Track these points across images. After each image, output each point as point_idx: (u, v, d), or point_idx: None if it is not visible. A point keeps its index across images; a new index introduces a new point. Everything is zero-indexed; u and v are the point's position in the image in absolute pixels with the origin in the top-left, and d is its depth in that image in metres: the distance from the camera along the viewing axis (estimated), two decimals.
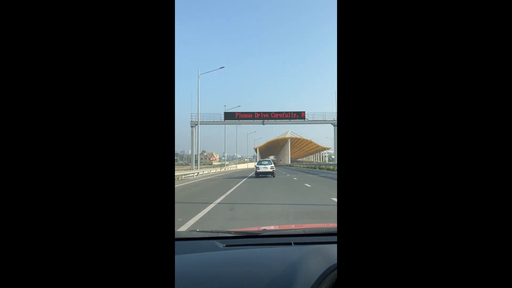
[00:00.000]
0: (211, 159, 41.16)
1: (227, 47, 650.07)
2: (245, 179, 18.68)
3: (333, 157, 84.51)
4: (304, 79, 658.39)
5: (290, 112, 34.02)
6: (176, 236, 1.34)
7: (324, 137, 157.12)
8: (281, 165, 78.98)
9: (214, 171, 33.51)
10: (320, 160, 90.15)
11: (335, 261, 0.74)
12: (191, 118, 32.43)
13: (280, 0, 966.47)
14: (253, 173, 23.97)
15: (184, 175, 21.37)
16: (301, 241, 1.29)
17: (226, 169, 43.23)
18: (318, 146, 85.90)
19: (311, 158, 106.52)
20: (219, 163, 63.18)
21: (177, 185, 14.26)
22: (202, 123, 33.62)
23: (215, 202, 7.78)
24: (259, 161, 23.10)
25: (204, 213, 6.05)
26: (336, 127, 32.20)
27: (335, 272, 0.76)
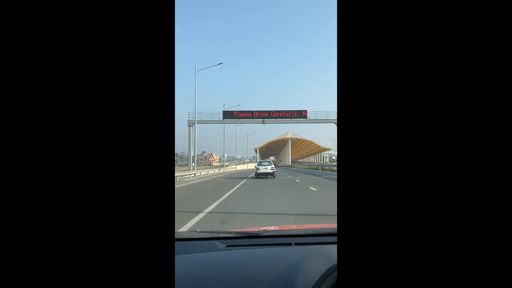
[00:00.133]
0: (209, 159, 39.98)
1: (227, 47, 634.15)
2: (244, 180, 17.59)
3: (333, 157, 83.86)
4: (305, 78, 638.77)
5: (291, 111, 32.61)
6: (177, 236, 1.33)
7: (325, 137, 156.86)
8: (281, 166, 78.29)
9: (212, 172, 32.34)
10: (320, 161, 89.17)
11: (336, 262, 0.74)
12: (189, 117, 31.13)
13: (280, 0, 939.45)
14: (253, 174, 23.65)
15: (180, 177, 20.20)
16: (302, 242, 1.28)
17: (225, 170, 42.18)
18: (319, 146, 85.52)
19: (312, 159, 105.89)
20: (219, 163, 62.17)
21: None
22: (200, 122, 32.44)
23: (205, 211, 6.60)
24: (259, 162, 23.05)
25: (189, 227, 4.88)
26: None
27: (336, 272, 0.77)
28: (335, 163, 46.37)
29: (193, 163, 28.65)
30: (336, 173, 26.39)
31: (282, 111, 32.55)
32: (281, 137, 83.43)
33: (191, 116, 30.49)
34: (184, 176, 21.33)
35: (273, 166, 20.67)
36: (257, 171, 20.43)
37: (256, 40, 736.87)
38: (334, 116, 32.76)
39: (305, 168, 50.50)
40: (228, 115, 33.03)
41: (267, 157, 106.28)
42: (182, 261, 1.02)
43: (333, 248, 0.99)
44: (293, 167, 63.84)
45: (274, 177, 19.85)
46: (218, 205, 7.46)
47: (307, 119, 32.61)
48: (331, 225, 1.65)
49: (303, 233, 1.54)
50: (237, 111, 33.21)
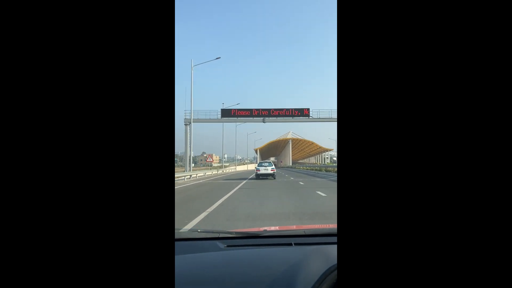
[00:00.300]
0: (208, 160, 38.56)
1: (227, 46, 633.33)
2: (242, 183, 16.02)
3: (334, 158, 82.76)
4: (307, 76, 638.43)
5: (292, 109, 30.88)
6: (177, 236, 1.33)
7: (326, 138, 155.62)
8: (281, 167, 77.01)
9: (210, 173, 30.75)
10: (321, 162, 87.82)
11: (335, 262, 0.74)
12: (185, 116, 29.45)
13: None
14: (253, 175, 22.91)
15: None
16: (302, 242, 1.28)
17: (224, 171, 40.65)
18: (320, 147, 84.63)
19: (312, 160, 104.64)
20: (218, 164, 60.86)
21: None
22: (197, 120, 30.85)
23: (190, 223, 5.14)
24: (260, 162, 22.75)
25: None
26: None
27: (335, 272, 0.77)
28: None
29: (192, 164, 27.11)
30: None
31: (282, 109, 30.88)
32: (281, 138, 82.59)
33: (187, 114, 28.82)
34: (179, 177, 19.67)
35: (273, 167, 20.55)
36: (257, 172, 20.35)
37: (256, 38, 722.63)
38: None
39: (307, 169, 48.79)
40: (227, 113, 31.39)
41: (268, 157, 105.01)
42: (183, 261, 1.02)
43: (333, 248, 0.98)
44: (294, 168, 62.20)
45: (274, 178, 19.56)
46: (206, 216, 5.88)
47: (310, 117, 31.01)
48: (331, 225, 1.66)
49: (303, 233, 1.51)
50: (235, 109, 31.57)
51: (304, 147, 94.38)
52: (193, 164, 27.34)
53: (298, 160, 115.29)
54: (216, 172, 34.50)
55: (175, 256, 0.70)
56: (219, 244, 1.22)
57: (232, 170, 48.31)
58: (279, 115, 30.87)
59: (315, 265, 0.88)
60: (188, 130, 28.68)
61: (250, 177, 22.59)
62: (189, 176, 21.71)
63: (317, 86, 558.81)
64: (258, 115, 30.98)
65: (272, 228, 2.28)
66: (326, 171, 34.12)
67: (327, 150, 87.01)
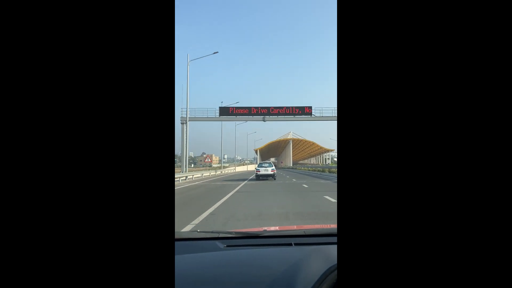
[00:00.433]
0: (206, 161, 37.34)
1: (226, 46, 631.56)
2: (240, 185, 14.75)
3: (335, 159, 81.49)
4: (310, 76, 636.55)
5: (293, 107, 29.56)
6: (177, 236, 1.32)
7: (328, 138, 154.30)
8: (282, 168, 75.66)
9: (207, 174, 29.45)
10: (322, 162, 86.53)
11: (335, 262, 0.75)
12: (182, 114, 28.10)
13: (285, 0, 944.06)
14: (252, 176, 22.51)
15: None
16: (302, 242, 1.28)
17: (223, 172, 39.38)
18: (321, 148, 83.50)
19: (313, 161, 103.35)
20: (218, 165, 59.60)
21: None
22: (194, 119, 29.48)
23: None
24: (260, 163, 22.52)
25: None
26: None
27: (335, 272, 0.78)
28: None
29: (192, 165, 25.73)
30: None
31: (282, 107, 29.53)
32: (282, 138, 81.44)
33: (184, 112, 27.48)
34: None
35: (273, 167, 20.43)
36: (258, 172, 20.18)
37: (256, 39, 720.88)
38: None
39: (309, 170, 47.30)
40: (225, 111, 30.02)
41: (268, 158, 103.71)
42: (183, 261, 1.02)
43: (333, 248, 0.98)
44: (295, 169, 60.66)
45: (274, 179, 19.40)
46: (196, 227, 4.59)
47: (313, 116, 29.68)
48: (331, 225, 1.66)
49: (303, 233, 1.51)
50: (233, 107, 30.16)
51: (305, 148, 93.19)
52: (192, 165, 26.00)
53: (299, 160, 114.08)
54: (215, 173, 33.24)
55: (175, 256, 0.70)
56: (219, 244, 1.22)
57: (231, 171, 47.04)
58: (279, 114, 29.56)
59: (315, 265, 0.88)
60: (185, 129, 27.34)
61: (250, 178, 21.55)
62: (184, 178, 20.46)
63: (320, 85, 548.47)
64: (257, 113, 29.65)
65: (272, 228, 2.23)
66: (330, 172, 32.62)
67: (328, 151, 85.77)
